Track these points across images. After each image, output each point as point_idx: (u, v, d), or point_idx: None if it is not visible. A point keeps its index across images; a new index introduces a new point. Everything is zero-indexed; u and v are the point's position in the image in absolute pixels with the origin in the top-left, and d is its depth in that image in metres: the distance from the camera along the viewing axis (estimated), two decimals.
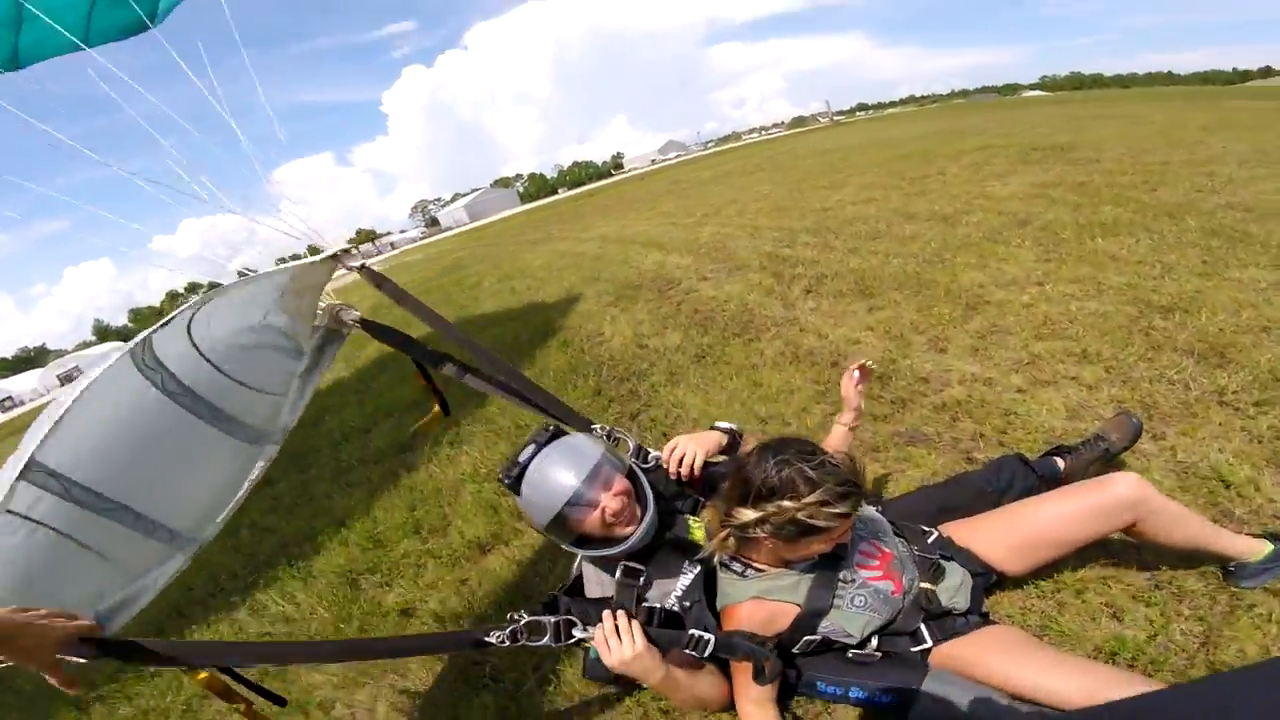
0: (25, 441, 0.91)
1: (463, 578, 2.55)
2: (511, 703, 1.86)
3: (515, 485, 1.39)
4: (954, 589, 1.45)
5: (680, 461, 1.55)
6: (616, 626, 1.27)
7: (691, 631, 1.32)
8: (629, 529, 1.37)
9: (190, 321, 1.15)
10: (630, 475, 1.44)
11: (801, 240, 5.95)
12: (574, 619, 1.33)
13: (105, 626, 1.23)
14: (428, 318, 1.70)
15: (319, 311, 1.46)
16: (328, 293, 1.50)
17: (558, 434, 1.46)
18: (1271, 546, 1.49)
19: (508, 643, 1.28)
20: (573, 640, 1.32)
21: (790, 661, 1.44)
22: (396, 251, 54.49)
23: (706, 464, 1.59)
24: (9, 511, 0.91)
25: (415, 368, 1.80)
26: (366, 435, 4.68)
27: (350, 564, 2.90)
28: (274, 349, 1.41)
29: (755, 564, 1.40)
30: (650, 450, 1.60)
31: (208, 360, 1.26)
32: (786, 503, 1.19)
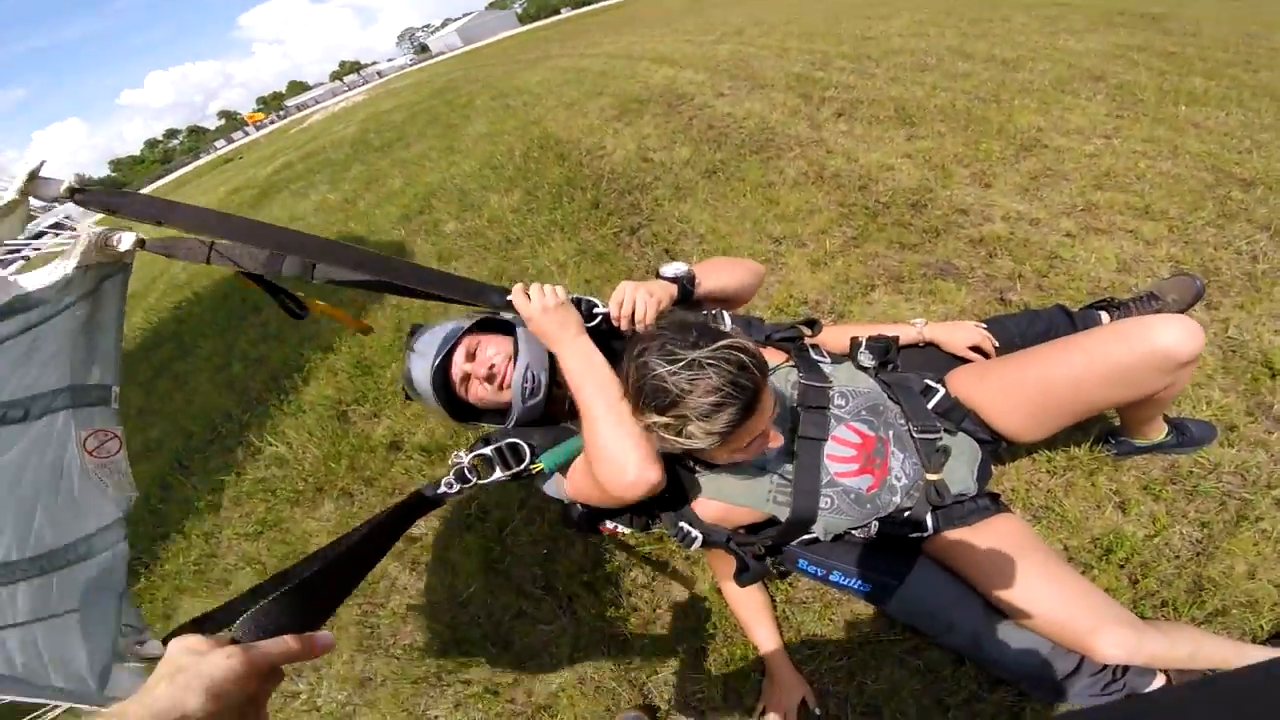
0: None
1: None
2: (496, 543, 1.82)
3: (409, 398, 1.28)
4: (962, 471, 1.20)
5: (631, 316, 1.18)
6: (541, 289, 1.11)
7: (681, 524, 1.11)
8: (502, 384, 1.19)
9: None
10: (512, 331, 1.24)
11: (836, 64, 5.26)
12: (517, 440, 1.13)
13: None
14: (207, 221, 1.10)
15: (81, 249, 1.03)
16: (75, 227, 1.05)
17: (414, 332, 1.28)
18: (1164, 436, 1.44)
19: (457, 486, 1.10)
20: (524, 464, 1.12)
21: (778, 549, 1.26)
22: (382, 80, 50.18)
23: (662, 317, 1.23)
24: None
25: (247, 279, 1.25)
26: None
27: (339, 394, 2.79)
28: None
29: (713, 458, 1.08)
30: (597, 304, 1.23)
31: None
32: (655, 416, 0.90)
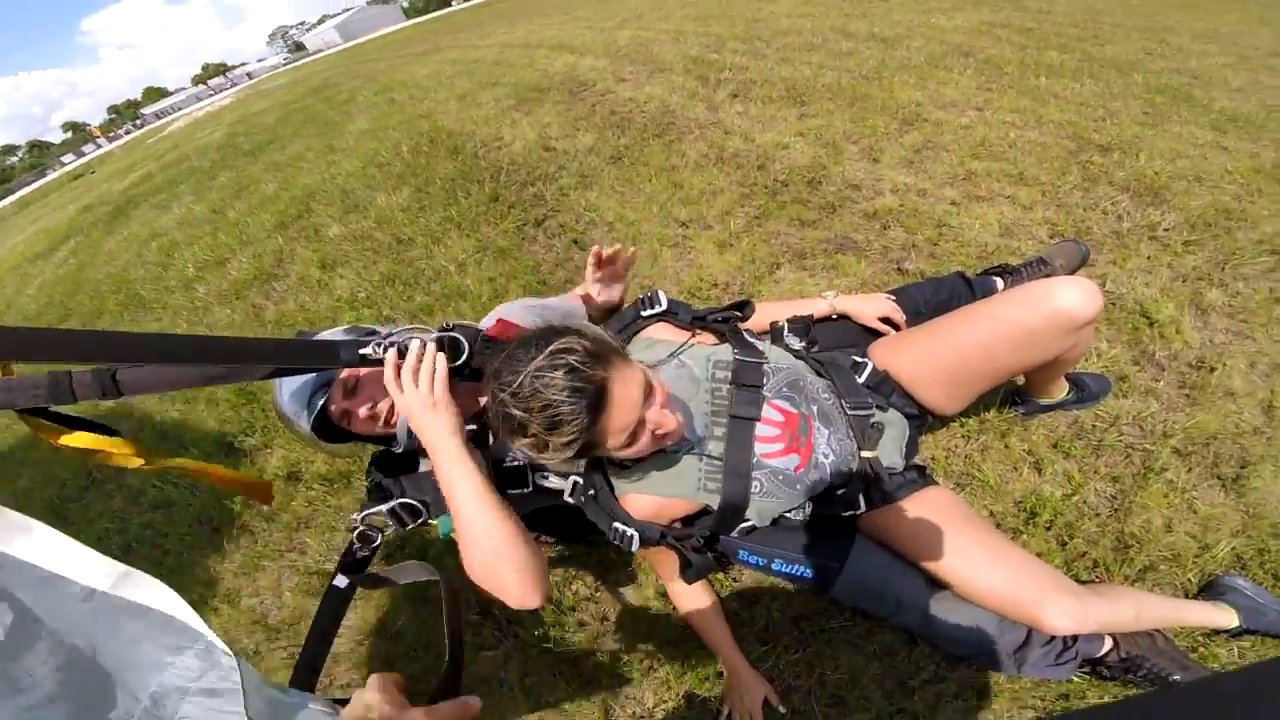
0: None
1: None
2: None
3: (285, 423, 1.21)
4: (890, 448, 1.21)
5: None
6: (419, 360, 0.96)
7: (615, 525, 1.05)
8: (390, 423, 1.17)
9: None
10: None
11: (730, 47, 5.35)
12: (411, 501, 1.12)
13: None
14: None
15: None
16: None
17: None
18: (1066, 394, 1.52)
19: (367, 551, 1.13)
20: (420, 520, 1.13)
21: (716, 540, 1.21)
22: (252, 82, 46.30)
23: None
24: None
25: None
26: (223, 267, 3.96)
27: (223, 426, 2.51)
28: None
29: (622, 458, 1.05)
30: (472, 330, 1.09)
31: None
32: (518, 439, 0.88)
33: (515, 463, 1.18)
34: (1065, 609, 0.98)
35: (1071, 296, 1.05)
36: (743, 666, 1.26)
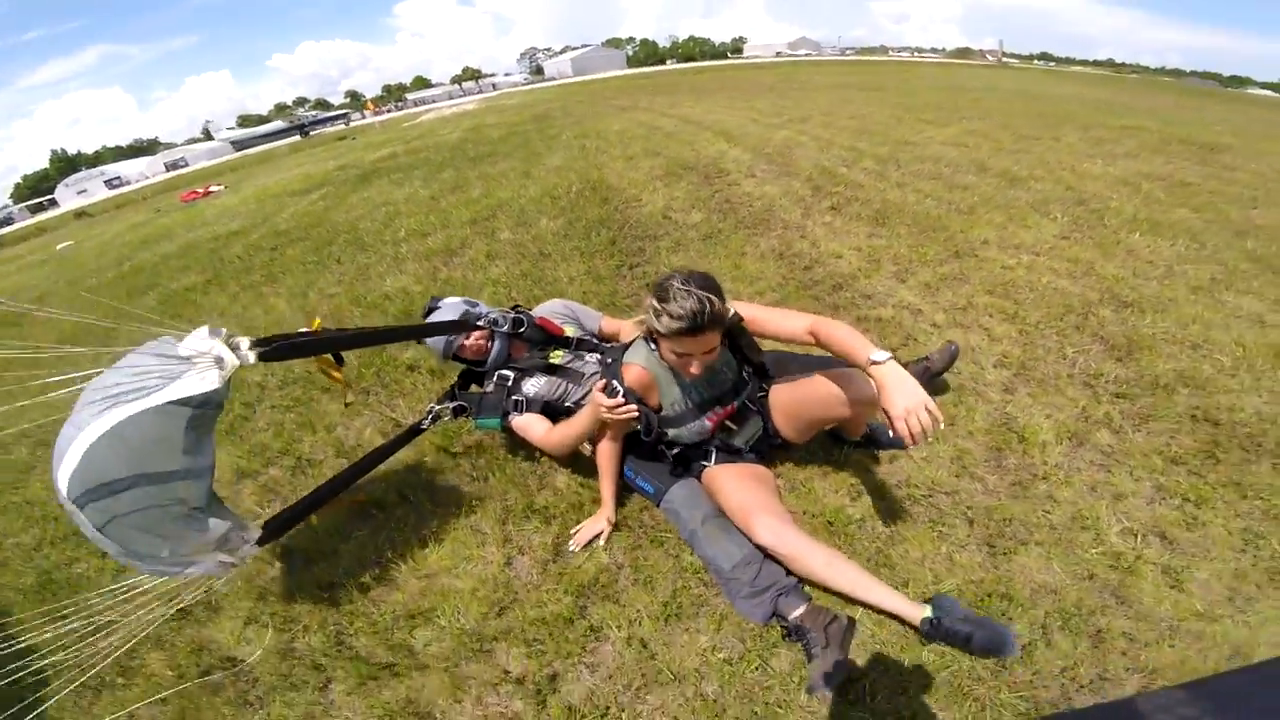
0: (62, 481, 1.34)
1: None
2: (455, 432, 2.58)
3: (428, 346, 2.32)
4: (748, 436, 1.93)
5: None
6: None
7: (613, 382, 1.75)
8: (487, 354, 2.25)
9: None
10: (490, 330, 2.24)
11: (862, 165, 5.83)
12: (464, 404, 2.24)
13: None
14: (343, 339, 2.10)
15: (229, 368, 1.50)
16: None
17: (431, 309, 2.37)
18: (859, 436, 2.09)
19: (430, 424, 2.24)
20: (464, 414, 2.25)
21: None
22: (496, 93, 53.77)
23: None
24: (100, 529, 1.35)
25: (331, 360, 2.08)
26: (424, 239, 5.50)
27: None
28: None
29: (662, 351, 1.69)
30: (528, 314, 2.31)
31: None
32: (652, 299, 1.56)
33: (542, 398, 2.19)
34: (769, 525, 1.60)
35: (853, 384, 1.70)
36: (609, 504, 1.94)
